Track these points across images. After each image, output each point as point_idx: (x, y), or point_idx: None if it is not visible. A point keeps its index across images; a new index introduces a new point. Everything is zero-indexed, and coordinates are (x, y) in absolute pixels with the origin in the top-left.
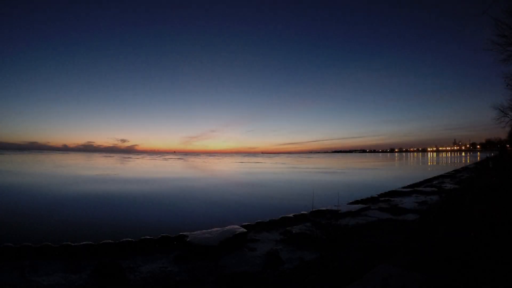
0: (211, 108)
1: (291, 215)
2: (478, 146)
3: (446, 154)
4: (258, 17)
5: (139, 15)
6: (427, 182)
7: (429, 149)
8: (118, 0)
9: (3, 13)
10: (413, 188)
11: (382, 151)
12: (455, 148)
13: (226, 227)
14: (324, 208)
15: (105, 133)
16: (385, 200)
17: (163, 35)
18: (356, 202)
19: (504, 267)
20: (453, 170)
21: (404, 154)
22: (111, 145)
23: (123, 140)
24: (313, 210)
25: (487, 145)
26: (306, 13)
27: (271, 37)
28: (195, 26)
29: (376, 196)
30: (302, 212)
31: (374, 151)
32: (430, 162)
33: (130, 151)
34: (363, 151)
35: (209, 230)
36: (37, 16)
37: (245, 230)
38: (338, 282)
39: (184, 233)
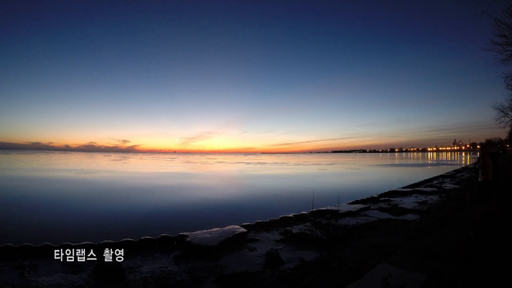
0: (209, 110)
1: (291, 215)
2: (478, 146)
3: (446, 154)
4: (253, 21)
5: (141, 19)
6: (427, 182)
7: (429, 149)
8: (120, 2)
9: (5, 13)
10: (413, 188)
11: (382, 151)
12: (455, 148)
13: (226, 227)
14: (324, 208)
15: (106, 134)
16: (385, 200)
17: (165, 40)
18: (356, 202)
19: (504, 266)
20: (453, 170)
21: (404, 154)
22: (113, 146)
23: (124, 141)
24: (313, 210)
25: (487, 145)
26: (301, 15)
27: (266, 40)
28: (194, 30)
29: (376, 196)
30: (302, 212)
31: (374, 151)
32: (430, 162)
33: (131, 151)
34: (363, 151)
35: (209, 230)
36: (39, 17)
37: (245, 230)
38: (338, 282)
39: (184, 233)
